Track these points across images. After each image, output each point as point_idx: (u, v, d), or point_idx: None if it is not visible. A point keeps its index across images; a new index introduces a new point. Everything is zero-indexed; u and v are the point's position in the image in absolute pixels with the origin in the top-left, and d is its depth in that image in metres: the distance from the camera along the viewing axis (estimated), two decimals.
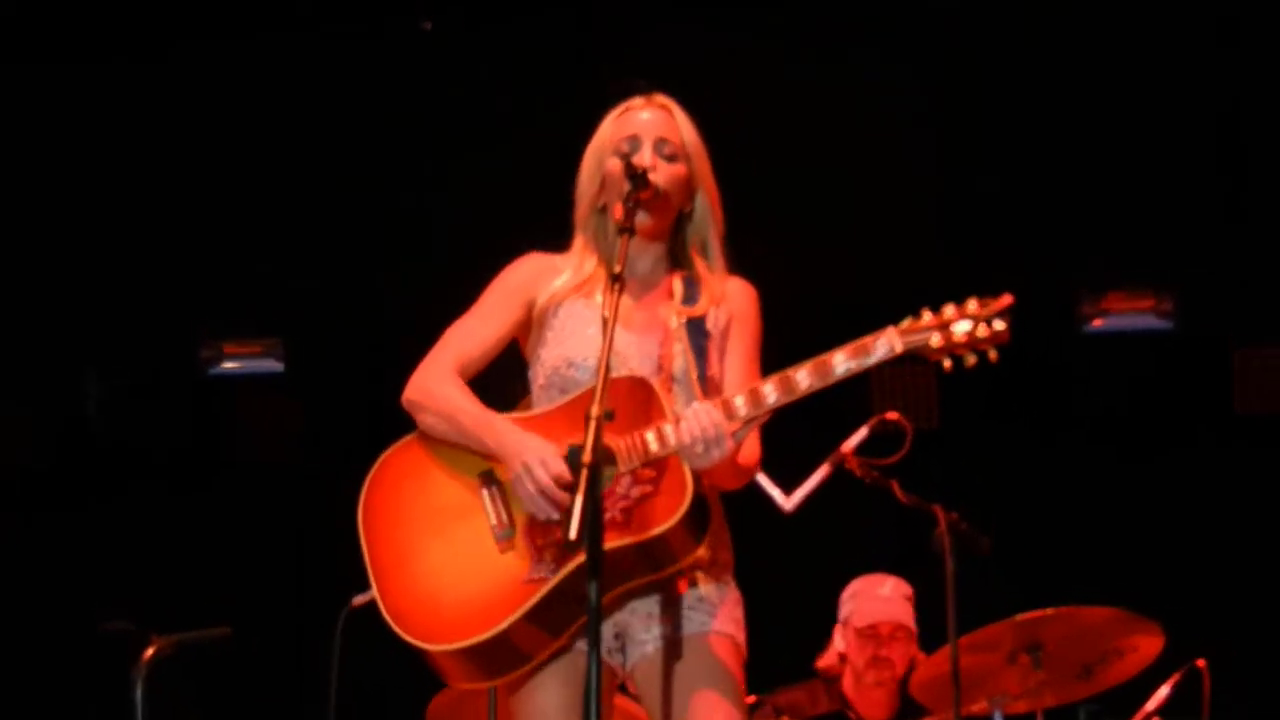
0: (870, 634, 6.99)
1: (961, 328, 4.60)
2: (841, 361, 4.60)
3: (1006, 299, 4.63)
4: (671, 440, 4.57)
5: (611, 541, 4.50)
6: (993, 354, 4.61)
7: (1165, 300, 9.04)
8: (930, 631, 7.02)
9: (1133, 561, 8.37)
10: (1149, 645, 6.49)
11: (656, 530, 4.54)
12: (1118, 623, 6.41)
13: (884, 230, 8.40)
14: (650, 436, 4.59)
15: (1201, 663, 6.55)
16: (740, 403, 4.59)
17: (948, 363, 4.62)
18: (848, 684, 7.09)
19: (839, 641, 7.10)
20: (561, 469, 4.50)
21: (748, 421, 4.61)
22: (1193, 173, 8.47)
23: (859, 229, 8.36)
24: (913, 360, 4.69)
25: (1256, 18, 8.26)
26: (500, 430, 4.69)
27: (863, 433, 6.21)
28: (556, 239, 4.97)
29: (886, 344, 4.60)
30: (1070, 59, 8.29)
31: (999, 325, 4.61)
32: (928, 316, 4.63)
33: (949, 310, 4.63)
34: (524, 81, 8.39)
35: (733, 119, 5.09)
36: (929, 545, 6.21)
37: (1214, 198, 8.50)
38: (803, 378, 4.60)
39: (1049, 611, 6.34)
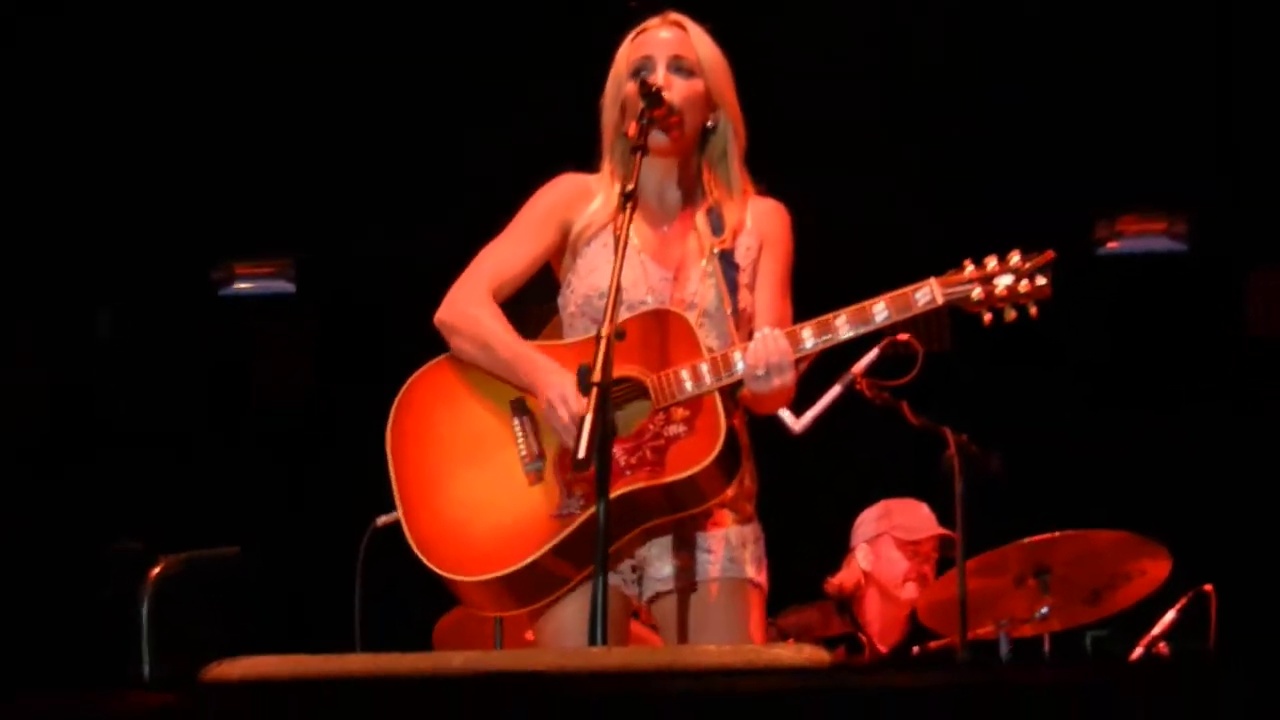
0: (913, 549, 7.02)
1: (1003, 281, 4.61)
2: (881, 310, 4.61)
3: (1049, 254, 4.63)
4: (707, 379, 4.58)
5: (640, 481, 4.54)
6: (1033, 309, 4.62)
7: (1179, 223, 9.01)
8: (938, 564, 7.05)
9: (1141, 485, 8.36)
10: (1156, 569, 6.50)
11: (687, 472, 4.55)
12: (1125, 546, 6.42)
13: (897, 158, 8.37)
14: (685, 374, 4.61)
15: (1209, 587, 6.56)
16: (807, 335, 4.61)
17: (988, 316, 4.63)
18: (867, 605, 7.11)
19: (863, 561, 7.11)
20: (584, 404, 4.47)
21: (812, 354, 4.64)
22: (1206, 95, 8.42)
23: (870, 159, 8.32)
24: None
25: None
26: (533, 363, 4.69)
27: (873, 354, 6.20)
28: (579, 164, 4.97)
29: (928, 294, 4.62)
30: None
31: (1040, 280, 4.61)
32: (970, 268, 4.63)
33: (991, 263, 4.63)
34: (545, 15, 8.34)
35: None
36: (939, 467, 6.21)
37: (1227, 119, 8.45)
38: (842, 324, 4.61)
39: (1056, 534, 6.35)
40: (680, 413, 4.60)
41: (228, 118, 8.51)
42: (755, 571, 4.79)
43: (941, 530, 7.00)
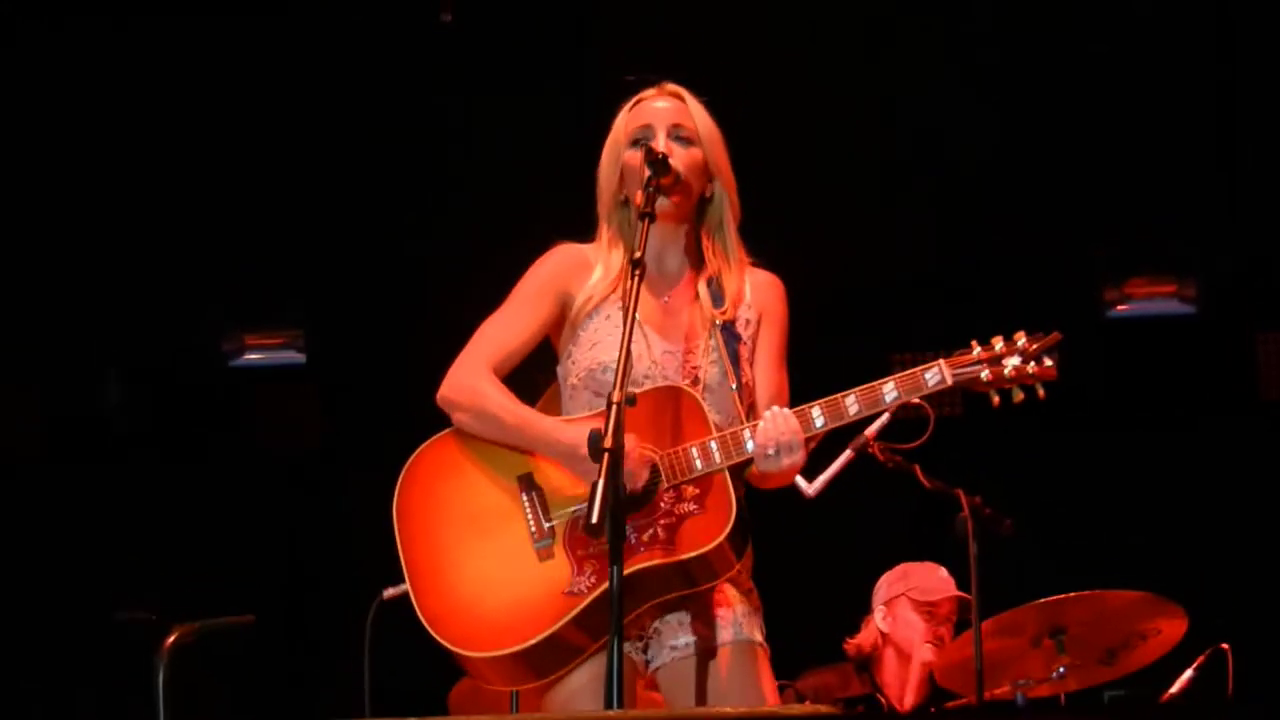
0: (930, 610, 7.00)
1: (1011, 363, 4.64)
2: (891, 390, 4.63)
3: (1055, 336, 4.65)
4: (717, 457, 4.59)
5: (654, 559, 4.55)
6: (1041, 391, 4.63)
7: (1188, 286, 9.02)
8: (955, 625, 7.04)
9: (1156, 546, 8.35)
10: (1173, 629, 6.47)
11: (700, 550, 4.57)
12: (1142, 606, 6.40)
13: (901, 215, 8.38)
14: (695, 452, 4.62)
15: (1225, 646, 6.53)
16: (817, 414, 4.63)
17: (996, 398, 4.65)
18: (885, 666, 7.09)
19: (881, 622, 7.11)
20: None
21: (820, 433, 4.65)
22: (1214, 157, 8.44)
23: (873, 215, 8.34)
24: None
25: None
26: (541, 422, 4.70)
27: (885, 418, 6.19)
28: (576, 227, 4.97)
29: (937, 376, 4.65)
30: (1089, 42, 8.26)
31: (1047, 362, 4.65)
32: (977, 350, 4.66)
33: (998, 344, 4.66)
34: (535, 65, 8.37)
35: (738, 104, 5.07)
36: (952, 529, 6.20)
37: (1236, 181, 8.47)
38: (851, 404, 4.63)
39: (1072, 595, 6.33)
40: (691, 490, 4.62)
41: (241, 185, 8.54)
42: (761, 637, 4.81)
43: (959, 593, 6.98)
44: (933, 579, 7.08)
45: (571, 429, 4.66)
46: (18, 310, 8.77)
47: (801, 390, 4.85)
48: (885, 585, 7.19)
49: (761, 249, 4.99)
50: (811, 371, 4.99)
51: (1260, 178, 8.46)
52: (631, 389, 4.51)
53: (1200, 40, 8.19)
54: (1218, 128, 8.40)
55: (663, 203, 4.75)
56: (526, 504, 4.71)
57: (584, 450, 4.52)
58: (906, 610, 7.08)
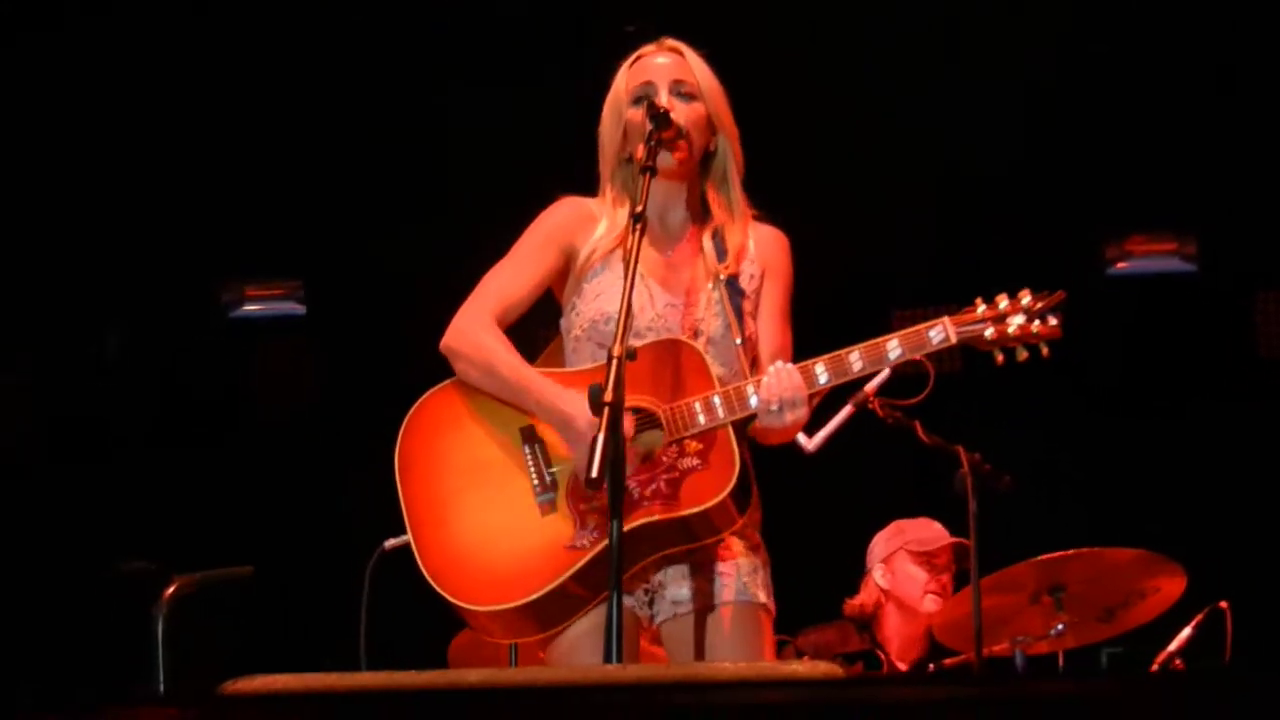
0: (929, 560, 7.02)
1: (1015, 322, 4.64)
2: (895, 347, 4.63)
3: (1060, 294, 4.65)
4: (720, 412, 4.59)
5: (656, 514, 4.55)
6: (1045, 350, 4.63)
7: (1188, 243, 9.02)
8: (955, 576, 7.05)
9: (1155, 503, 8.36)
10: (1171, 587, 6.49)
11: (702, 506, 4.57)
12: (1140, 564, 6.41)
13: (908, 177, 8.37)
14: (698, 407, 4.62)
15: (1224, 604, 6.55)
16: (821, 370, 4.62)
17: (1000, 356, 4.65)
18: (886, 623, 7.11)
19: (880, 579, 7.13)
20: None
21: (824, 389, 4.65)
22: (1215, 114, 8.42)
23: (879, 176, 8.33)
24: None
25: None
26: (542, 386, 4.69)
27: (885, 374, 6.19)
28: (579, 181, 4.97)
29: (942, 333, 4.64)
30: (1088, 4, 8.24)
31: (1052, 321, 4.64)
32: (981, 307, 4.66)
33: (1002, 302, 4.65)
34: (544, 25, 8.34)
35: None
36: (951, 486, 6.21)
37: (1236, 139, 8.45)
38: (855, 360, 4.62)
39: (1071, 552, 6.34)
40: (694, 445, 4.62)
41: (237, 139, 8.51)
42: (766, 597, 4.81)
43: (955, 539, 7.01)
44: (929, 530, 7.12)
45: (571, 398, 4.63)
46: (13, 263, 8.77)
47: (803, 346, 4.85)
48: (881, 542, 7.22)
49: (765, 204, 4.98)
50: (815, 327, 4.99)
51: (1260, 136, 8.44)
52: (633, 343, 4.51)
53: (1203, 2, 8.15)
54: (1218, 86, 8.37)
55: (665, 158, 4.75)
56: (529, 457, 4.71)
57: (580, 423, 4.54)
58: (906, 564, 7.10)
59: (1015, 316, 4.64)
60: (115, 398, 9.18)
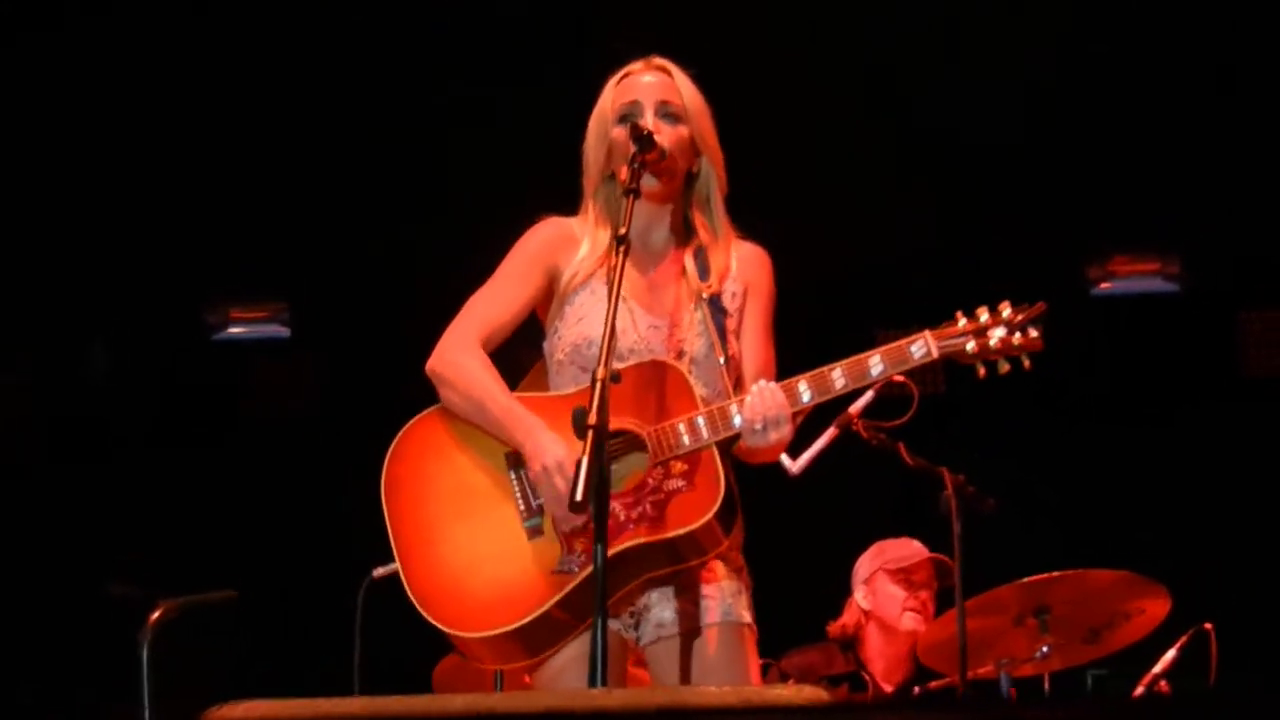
0: (906, 578, 7.02)
1: (996, 334, 4.61)
2: (877, 364, 4.62)
3: (1040, 306, 4.64)
4: (704, 433, 4.58)
5: (641, 537, 4.54)
6: (1026, 362, 4.62)
7: (1171, 263, 9.04)
8: (937, 594, 7.04)
9: (1139, 525, 8.37)
10: (1156, 608, 6.49)
11: (688, 528, 4.55)
12: (1125, 585, 6.41)
13: (890, 196, 8.38)
14: (682, 428, 4.60)
15: (1209, 625, 6.55)
16: (804, 389, 4.61)
17: (982, 370, 4.64)
18: (869, 644, 7.11)
19: (862, 600, 7.13)
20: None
21: (807, 408, 4.65)
22: (1198, 135, 8.44)
23: (862, 195, 8.34)
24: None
25: None
26: (525, 425, 4.65)
27: (869, 395, 6.20)
28: (562, 200, 4.96)
29: (923, 348, 4.62)
30: (1075, 21, 8.25)
31: (1033, 333, 4.62)
32: (962, 321, 4.64)
33: (983, 315, 4.64)
34: (532, 41, 8.35)
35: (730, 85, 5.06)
36: (936, 507, 6.21)
37: (1219, 159, 8.47)
38: (838, 377, 4.61)
39: (1056, 574, 6.34)
40: (679, 466, 4.60)
41: (237, 139, 8.51)
42: (750, 618, 4.80)
43: (932, 554, 7.01)
44: (906, 548, 7.13)
45: (551, 443, 4.60)
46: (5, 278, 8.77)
47: (786, 366, 4.85)
48: (863, 564, 7.23)
49: (748, 225, 4.98)
50: (797, 347, 4.99)
51: (1245, 156, 8.46)
52: (616, 365, 4.50)
53: (1186, 21, 8.17)
54: (1203, 106, 8.39)
55: (649, 180, 4.73)
56: (515, 482, 4.70)
57: (542, 462, 4.54)
58: (885, 583, 7.11)
59: (996, 329, 4.63)
60: (105, 412, 9.18)
